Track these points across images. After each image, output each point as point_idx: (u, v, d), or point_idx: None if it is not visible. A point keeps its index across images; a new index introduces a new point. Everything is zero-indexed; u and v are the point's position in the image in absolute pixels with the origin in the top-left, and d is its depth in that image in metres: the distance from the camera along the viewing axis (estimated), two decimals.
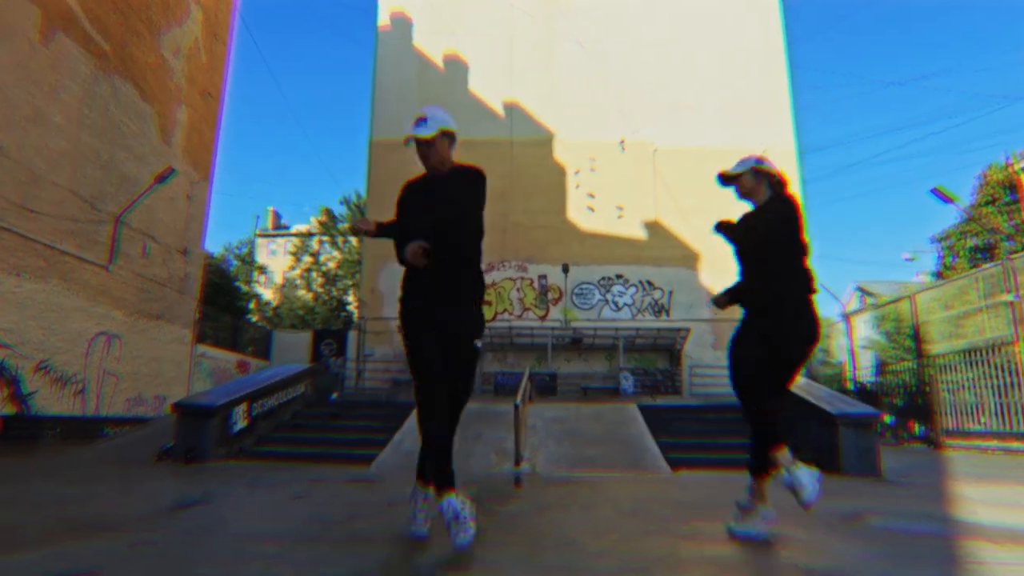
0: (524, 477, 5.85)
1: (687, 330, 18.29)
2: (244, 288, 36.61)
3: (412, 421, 8.07)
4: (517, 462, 6.31)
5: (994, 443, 9.85)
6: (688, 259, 19.45)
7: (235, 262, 38.93)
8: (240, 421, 7.09)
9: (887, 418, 14.03)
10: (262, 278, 42.93)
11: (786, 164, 21.68)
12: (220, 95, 18.75)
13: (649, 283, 20.22)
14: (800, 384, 7.69)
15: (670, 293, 19.90)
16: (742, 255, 3.19)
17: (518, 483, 5.45)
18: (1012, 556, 2.50)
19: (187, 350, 16.70)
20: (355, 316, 21.37)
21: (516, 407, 6.36)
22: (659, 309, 20.02)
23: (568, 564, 2.37)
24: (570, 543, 2.74)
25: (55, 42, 11.88)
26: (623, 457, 6.73)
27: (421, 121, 2.90)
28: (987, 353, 11.53)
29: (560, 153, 21.49)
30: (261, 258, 43.46)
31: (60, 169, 12.03)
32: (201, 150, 17.50)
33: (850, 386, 15.22)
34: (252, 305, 37.05)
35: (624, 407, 8.92)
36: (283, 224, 63.18)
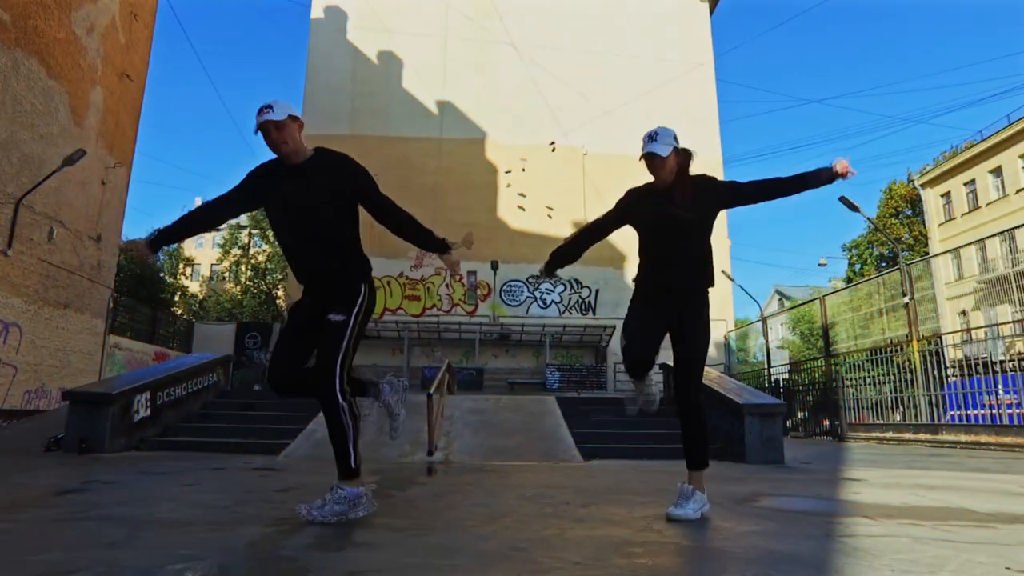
0: (436, 466, 5.81)
1: (612, 327, 18.65)
2: (170, 280, 35.12)
3: None
4: (430, 452, 6.26)
5: (890, 434, 10.45)
6: (615, 259, 19.83)
7: (162, 255, 37.21)
8: (142, 410, 6.76)
9: (801, 414, 14.69)
10: (188, 270, 41.26)
11: (712, 172, 22.25)
12: (140, 78, 17.88)
13: (577, 282, 20.51)
14: (712, 376, 7.94)
15: (596, 291, 20.25)
16: (670, 233, 3.00)
17: (430, 472, 5.40)
18: (882, 528, 2.63)
19: (99, 340, 15.85)
20: (284, 309, 20.82)
21: (429, 396, 6.31)
22: (586, 307, 20.35)
23: (450, 544, 2.34)
24: (460, 526, 2.72)
25: None
26: (538, 447, 6.78)
27: (266, 108, 2.79)
28: (889, 352, 12.23)
29: (492, 153, 21.54)
30: (188, 250, 41.63)
31: None
32: (118, 134, 16.65)
33: (765, 383, 15.83)
34: (177, 297, 35.57)
35: (543, 399, 8.99)
36: None
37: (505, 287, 20.51)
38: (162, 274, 33.61)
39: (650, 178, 3.13)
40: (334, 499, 2.70)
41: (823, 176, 2.88)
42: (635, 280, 3.19)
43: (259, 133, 2.78)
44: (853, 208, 13.77)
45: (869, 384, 12.71)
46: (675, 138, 3.06)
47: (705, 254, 3.06)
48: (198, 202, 59.98)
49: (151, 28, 18.37)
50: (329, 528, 2.56)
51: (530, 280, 20.26)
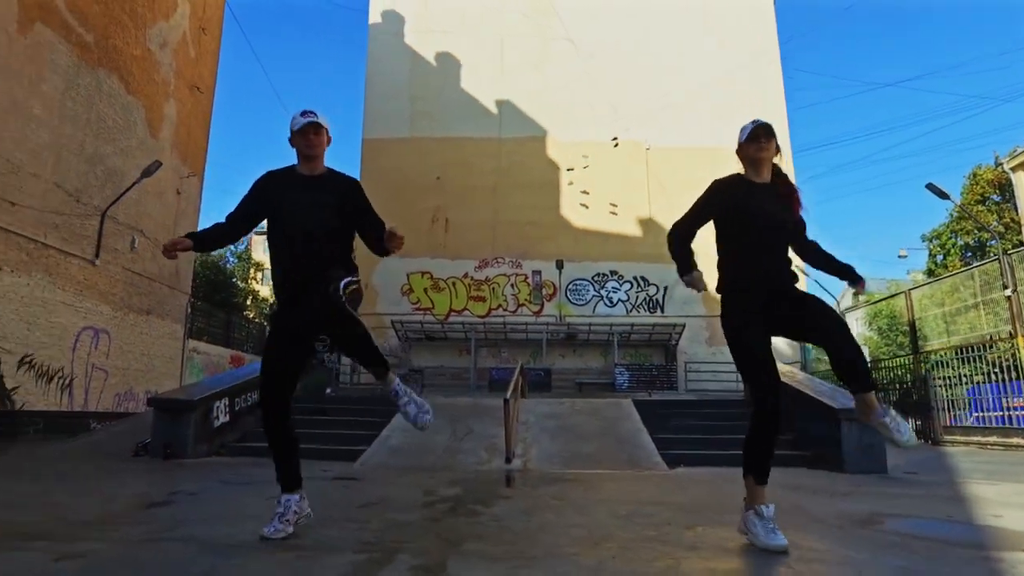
0: (515, 475, 5.62)
1: (682, 326, 18.10)
2: (241, 285, 36.34)
3: (399, 417, 7.81)
4: (508, 459, 6.08)
5: (994, 438, 9.65)
6: None
7: (233, 259, 38.60)
8: (222, 416, 6.84)
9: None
10: (259, 275, 42.63)
11: (780, 163, 21.34)
12: (209, 90, 18.44)
13: (643, 279, 19.99)
14: (800, 378, 7.47)
15: (664, 289, 19.70)
16: (768, 232, 2.78)
17: (509, 482, 5.21)
18: None
19: (179, 345, 16.43)
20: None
21: (506, 401, 6.13)
22: (654, 305, 19.81)
23: None
24: (561, 554, 2.49)
25: (33, 32, 11.57)
26: (618, 453, 6.50)
27: (311, 112, 2.93)
28: (981, 349, 11.37)
29: (552, 151, 21.24)
30: (258, 255, 43.07)
31: (42, 161, 11.74)
32: (191, 144, 17.21)
33: (840, 382, 14.99)
34: (249, 301, 36.76)
35: (619, 402, 8.69)
36: None
37: (571, 286, 20.21)
38: (234, 279, 34.79)
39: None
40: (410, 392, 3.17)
41: (847, 274, 2.98)
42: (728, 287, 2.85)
43: (298, 130, 2.90)
44: (942, 195, 12.86)
45: (961, 383, 11.86)
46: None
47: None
48: None
49: (218, 41, 18.92)
50: (421, 558, 2.38)
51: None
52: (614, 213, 20.62)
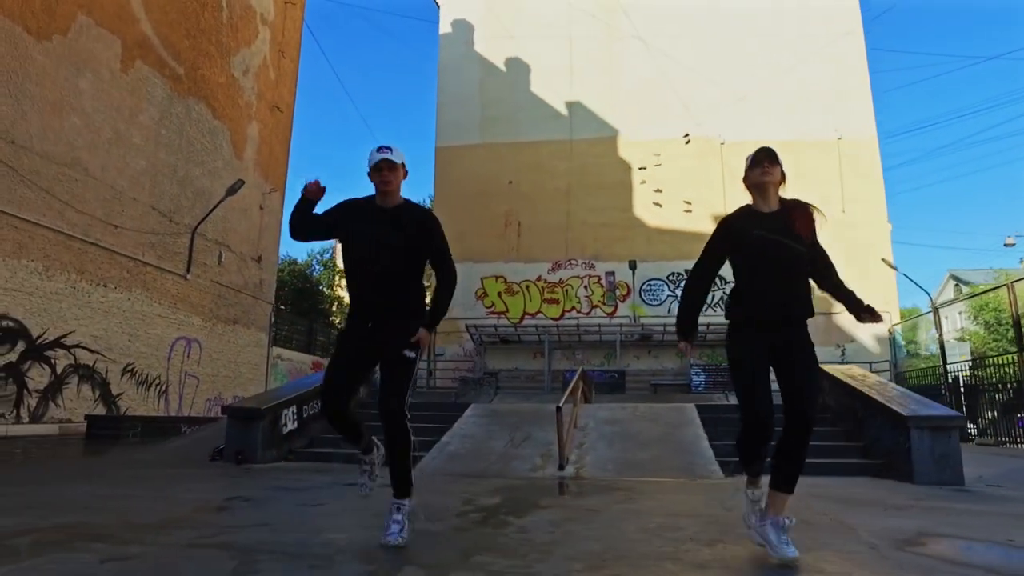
0: (566, 482, 5.65)
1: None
2: (327, 292, 37.91)
3: (461, 423, 8.00)
4: (561, 466, 6.11)
5: None
6: None
7: (319, 267, 40.34)
8: (290, 423, 7.22)
9: (989, 415, 12.87)
10: (344, 282, 44.33)
11: (865, 152, 20.35)
12: (289, 109, 19.40)
13: (720, 277, 19.29)
14: (871, 382, 7.10)
15: (725, 289, 19.08)
16: (774, 264, 2.78)
17: (561, 489, 5.25)
18: None
19: (263, 352, 17.39)
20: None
21: (558, 409, 6.16)
22: (715, 304, 19.23)
23: None
24: (565, 570, 2.52)
25: (133, 69, 12.59)
26: (675, 461, 6.40)
27: (386, 149, 3.06)
28: None
29: (624, 150, 21.03)
30: (342, 263, 44.82)
31: (140, 186, 12.75)
32: (272, 162, 18.17)
33: (939, 380, 14.05)
34: (334, 307, 38.28)
35: (683, 407, 8.52)
36: None
37: (645, 286, 19.95)
38: (320, 286, 36.31)
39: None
40: (406, 516, 2.92)
41: (858, 308, 2.84)
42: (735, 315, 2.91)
43: (373, 166, 3.03)
44: None
45: None
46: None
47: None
48: None
49: (296, 62, 19.88)
50: (426, 569, 2.48)
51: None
52: (688, 211, 20.20)
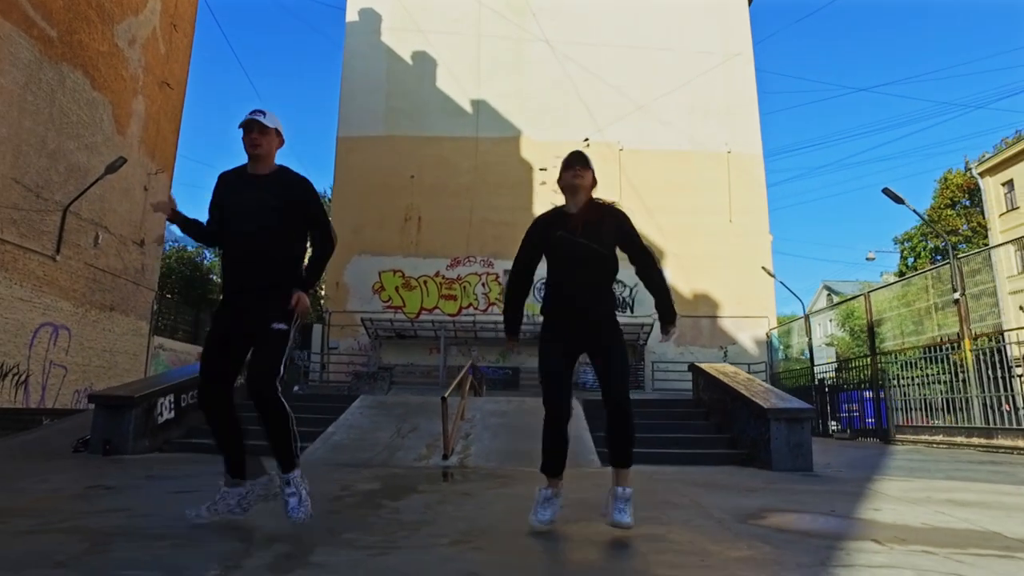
0: (449, 471, 5.72)
1: (650, 325, 18.26)
2: (219, 280, 36.11)
3: (347, 414, 7.90)
4: (445, 456, 6.17)
5: (940, 437, 9.90)
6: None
7: (211, 255, 38.35)
8: (166, 413, 6.87)
9: (848, 412, 14.11)
10: None
11: (752, 166, 21.75)
12: (180, 86, 18.35)
13: (619, 282, 20.17)
14: (741, 379, 7.64)
15: (634, 288, 19.88)
16: (581, 259, 2.96)
17: (445, 477, 5.32)
18: (887, 557, 2.40)
19: (143, 342, 16.36)
20: (325, 310, 21.21)
21: (443, 399, 6.22)
22: (623, 305, 20.00)
23: (405, 569, 2.22)
24: (428, 545, 2.59)
25: None
26: None
27: (259, 112, 2.95)
28: (945, 350, 11.59)
29: (527, 151, 21.37)
30: None
31: None
32: (160, 141, 17.13)
33: (809, 381, 15.29)
34: None
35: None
36: None
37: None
38: (212, 275, 34.58)
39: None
40: (302, 488, 2.88)
41: (663, 316, 3.09)
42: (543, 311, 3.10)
43: (241, 129, 2.92)
44: (898, 200, 13.13)
45: (919, 383, 12.10)
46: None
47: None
48: None
49: (191, 37, 18.83)
50: (294, 546, 2.48)
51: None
52: None
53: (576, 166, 2.97)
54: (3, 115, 11.64)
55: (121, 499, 3.65)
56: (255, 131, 2.90)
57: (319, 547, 2.46)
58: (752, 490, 4.51)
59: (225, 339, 2.94)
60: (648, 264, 3.08)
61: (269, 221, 2.87)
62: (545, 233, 2.99)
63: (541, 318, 3.07)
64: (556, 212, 3.05)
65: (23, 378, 12.03)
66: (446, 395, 6.34)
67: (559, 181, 3.05)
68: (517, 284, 3.16)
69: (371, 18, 22.49)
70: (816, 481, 5.24)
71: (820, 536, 2.86)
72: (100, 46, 14.45)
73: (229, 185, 3.01)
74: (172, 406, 7.04)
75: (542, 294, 3.13)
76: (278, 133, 2.98)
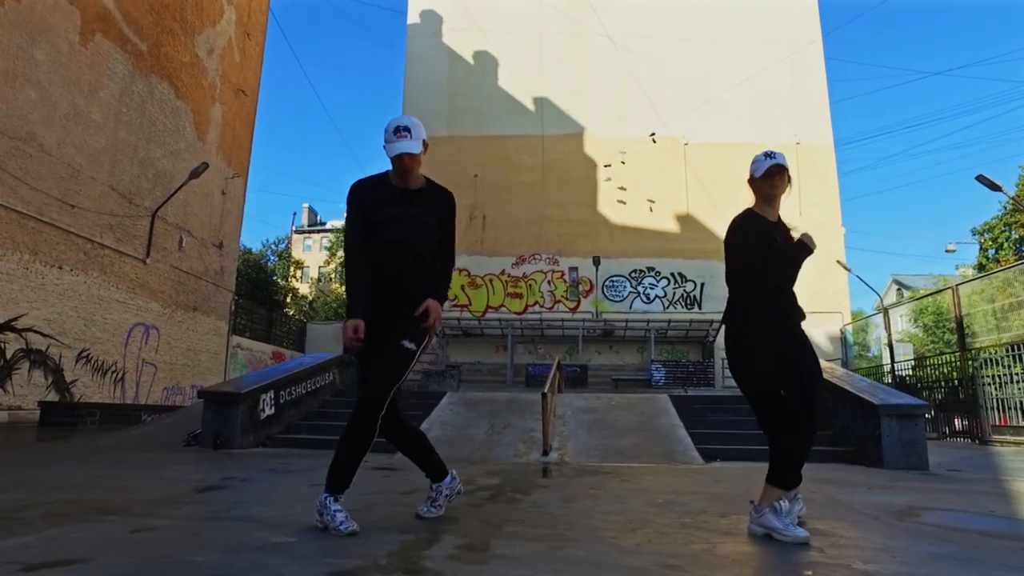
0: (552, 467, 5.72)
1: (719, 322, 17.94)
2: (282, 283, 37.20)
3: (438, 410, 8.00)
4: (545, 451, 6.17)
5: None
6: (720, 252, 18.88)
7: (274, 258, 39.55)
8: (267, 409, 7.09)
9: (929, 413, 13.53)
10: (298, 273, 43.58)
11: (822, 158, 21.08)
12: (253, 92, 18.96)
13: (680, 276, 19.88)
14: (839, 374, 7.40)
15: (702, 285, 19.56)
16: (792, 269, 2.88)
17: (546, 474, 5.31)
18: None
19: (223, 341, 16.96)
20: None
21: (544, 395, 6.22)
22: (690, 301, 19.69)
23: (597, 559, 2.21)
24: (600, 537, 2.58)
25: (93, 43, 12.09)
26: (655, 448, 6.54)
27: (404, 129, 2.75)
28: None
29: (590, 147, 21.25)
30: (297, 253, 44.07)
31: (99, 165, 12.27)
32: (235, 146, 17.73)
33: (886, 379, 14.71)
34: (289, 299, 37.63)
35: (656, 397, 8.71)
36: (318, 220, 64.07)
37: (607, 283, 20.21)
38: (275, 277, 35.60)
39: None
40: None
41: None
42: None
43: (393, 157, 2.75)
44: (994, 187, 12.50)
45: (1008, 382, 11.48)
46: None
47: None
48: (306, 207, 63.18)
49: (262, 45, 19.43)
50: (466, 538, 2.50)
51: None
52: (651, 209, 20.55)
53: (775, 176, 2.86)
54: (102, 126, 12.26)
55: (265, 491, 3.76)
56: (405, 161, 2.74)
57: (494, 539, 2.47)
58: (882, 487, 4.35)
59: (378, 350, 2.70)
60: None
61: (429, 238, 2.80)
62: (768, 237, 2.88)
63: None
64: (758, 217, 2.95)
65: (120, 375, 12.64)
66: (545, 391, 6.34)
67: (753, 183, 2.96)
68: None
69: (432, 20, 22.75)
70: (942, 480, 5.01)
71: (1002, 537, 2.72)
72: (183, 57, 15.05)
73: (377, 195, 2.81)
74: (272, 403, 7.26)
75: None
76: (425, 145, 2.81)
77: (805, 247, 2.80)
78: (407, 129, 2.74)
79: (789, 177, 2.89)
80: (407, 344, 2.68)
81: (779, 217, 2.99)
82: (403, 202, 2.79)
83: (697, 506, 3.36)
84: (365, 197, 2.82)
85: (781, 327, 2.83)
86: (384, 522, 2.80)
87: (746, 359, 2.81)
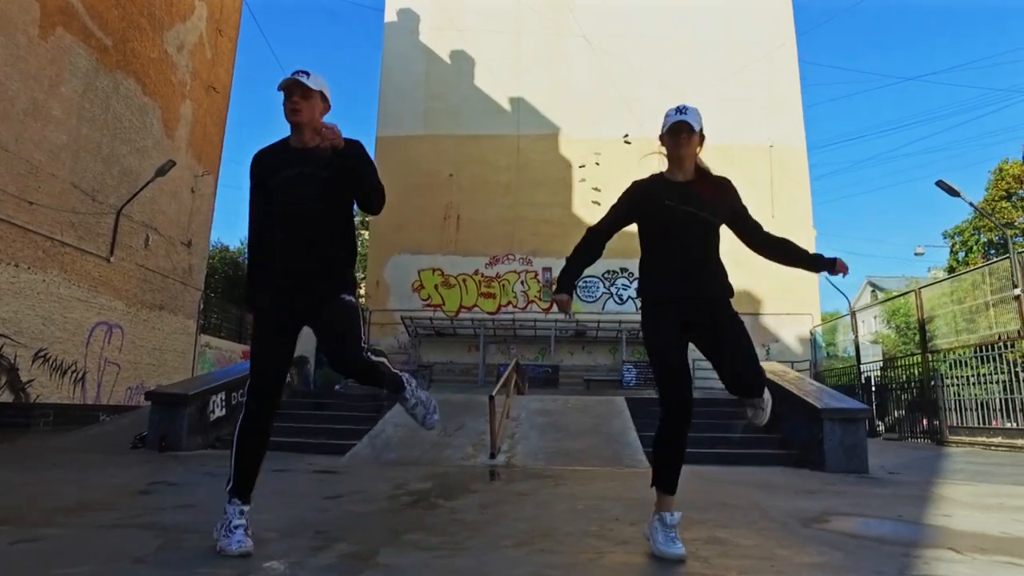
0: (498, 469, 5.73)
1: None
2: None
3: (394, 412, 7.97)
4: (492, 454, 6.18)
5: (999, 439, 9.54)
6: None
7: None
8: (218, 410, 7.04)
9: (897, 413, 13.72)
10: None
11: (795, 160, 21.27)
12: (225, 90, 18.75)
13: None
14: (790, 378, 7.49)
15: None
16: (689, 231, 2.61)
17: (493, 476, 5.32)
18: (970, 567, 2.31)
19: (191, 340, 16.78)
20: (364, 305, 21.44)
21: (491, 398, 6.23)
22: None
23: (477, 568, 2.22)
24: (496, 546, 2.59)
25: (54, 36, 11.89)
26: (604, 451, 6.57)
27: (302, 72, 2.57)
28: (999, 348, 11.17)
29: (565, 148, 21.27)
30: None
31: (59, 162, 12.07)
32: (206, 144, 17.52)
33: (854, 380, 14.90)
34: None
35: (612, 399, 8.74)
36: None
37: (580, 283, 20.23)
38: None
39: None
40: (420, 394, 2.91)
41: (821, 264, 2.78)
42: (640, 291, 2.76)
43: (282, 92, 2.56)
44: (952, 193, 12.68)
45: (974, 383, 11.67)
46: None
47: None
48: None
49: (235, 41, 19.23)
50: (358, 546, 2.50)
51: (603, 277, 19.93)
52: None
53: (682, 133, 2.60)
54: (63, 122, 12.06)
55: (185, 495, 3.74)
56: (296, 94, 2.51)
57: (384, 547, 2.48)
58: (810, 492, 4.41)
59: (282, 330, 2.58)
60: (764, 236, 2.87)
61: (321, 196, 2.55)
62: (648, 200, 2.70)
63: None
64: (658, 177, 2.77)
65: (80, 375, 12.46)
66: (493, 394, 6.35)
67: (662, 140, 2.72)
68: (593, 245, 2.82)
69: (409, 18, 22.65)
70: (875, 484, 5.09)
71: (893, 543, 2.77)
72: (151, 53, 14.85)
73: (271, 162, 2.62)
74: (223, 404, 7.21)
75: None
76: (323, 97, 2.59)
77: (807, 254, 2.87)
78: (305, 72, 2.58)
79: (702, 137, 2.65)
80: (347, 298, 2.63)
81: (702, 174, 2.70)
82: (300, 162, 2.57)
83: (613, 513, 3.39)
84: (260, 166, 2.66)
85: (664, 298, 2.63)
86: (289, 531, 2.78)
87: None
